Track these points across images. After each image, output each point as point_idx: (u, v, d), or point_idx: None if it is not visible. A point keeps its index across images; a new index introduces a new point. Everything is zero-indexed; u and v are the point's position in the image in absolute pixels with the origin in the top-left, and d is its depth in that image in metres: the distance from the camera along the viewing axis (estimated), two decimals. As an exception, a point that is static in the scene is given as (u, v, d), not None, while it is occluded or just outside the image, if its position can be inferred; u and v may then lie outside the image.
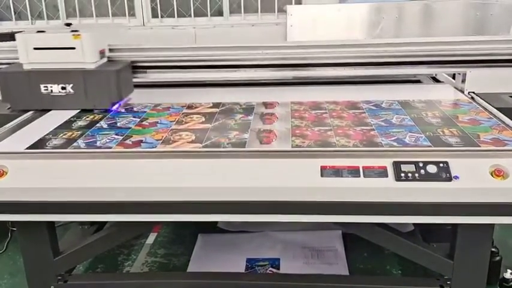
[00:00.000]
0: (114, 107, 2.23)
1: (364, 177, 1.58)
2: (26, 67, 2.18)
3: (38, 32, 2.22)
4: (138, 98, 2.41)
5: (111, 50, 2.37)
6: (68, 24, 2.34)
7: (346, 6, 4.04)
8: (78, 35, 2.11)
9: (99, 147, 1.81)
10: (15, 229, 2.59)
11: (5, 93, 2.20)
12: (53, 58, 2.15)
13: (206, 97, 2.38)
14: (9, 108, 2.23)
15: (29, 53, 2.16)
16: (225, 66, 2.41)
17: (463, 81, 2.35)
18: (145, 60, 2.42)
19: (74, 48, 2.13)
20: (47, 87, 2.14)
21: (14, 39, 2.22)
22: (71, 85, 2.14)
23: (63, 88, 2.13)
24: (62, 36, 2.16)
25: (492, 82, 2.31)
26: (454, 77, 2.53)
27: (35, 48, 2.15)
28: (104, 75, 2.16)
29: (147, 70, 2.44)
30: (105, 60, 2.30)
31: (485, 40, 2.36)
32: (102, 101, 2.18)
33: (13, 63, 2.33)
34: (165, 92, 2.54)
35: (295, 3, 4.55)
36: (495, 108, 2.07)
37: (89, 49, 2.15)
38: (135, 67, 2.41)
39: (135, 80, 2.43)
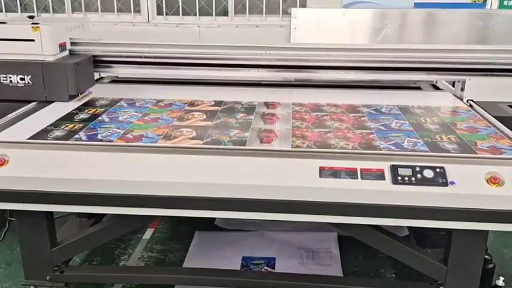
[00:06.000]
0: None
1: (361, 179, 1.60)
2: None
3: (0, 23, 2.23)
4: (140, 93, 2.43)
5: (73, 44, 2.41)
6: (31, 17, 2.35)
7: (350, 11, 4.07)
8: (37, 27, 2.14)
9: (100, 140, 1.82)
10: (13, 219, 2.60)
11: None
12: (13, 49, 2.18)
13: (208, 95, 2.39)
14: None
15: None
16: (228, 66, 2.43)
17: (462, 89, 2.38)
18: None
19: (33, 40, 2.16)
20: (6, 77, 2.17)
21: None
22: (29, 76, 2.16)
23: (21, 79, 2.16)
24: (21, 28, 2.19)
25: (491, 91, 2.33)
26: (453, 84, 2.56)
27: None
28: (61, 68, 2.19)
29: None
30: (66, 53, 2.34)
31: (485, 49, 2.38)
32: (60, 93, 2.21)
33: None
34: (167, 89, 2.56)
35: (300, 6, 4.57)
36: (493, 116, 2.09)
37: (48, 41, 2.18)
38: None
39: (138, 76, 2.42)
